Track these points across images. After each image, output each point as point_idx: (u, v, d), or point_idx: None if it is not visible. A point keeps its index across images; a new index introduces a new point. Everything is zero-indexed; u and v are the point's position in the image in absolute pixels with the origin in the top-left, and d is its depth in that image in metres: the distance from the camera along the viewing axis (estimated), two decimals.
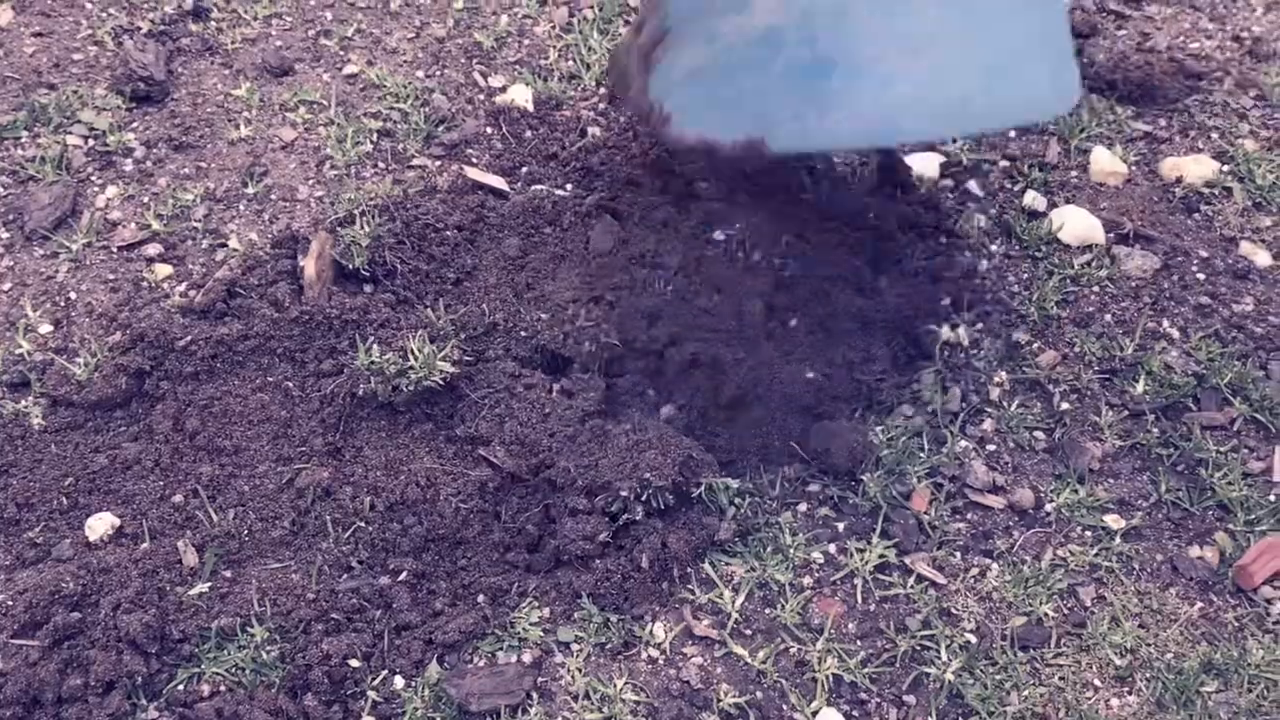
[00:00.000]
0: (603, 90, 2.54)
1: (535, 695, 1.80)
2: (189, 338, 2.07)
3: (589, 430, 2.02)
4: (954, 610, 1.90)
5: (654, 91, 1.99)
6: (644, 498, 1.93)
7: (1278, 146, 2.50)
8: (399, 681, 1.81)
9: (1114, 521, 1.99)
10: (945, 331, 2.17)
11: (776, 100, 1.89)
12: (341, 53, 2.63)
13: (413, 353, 2.04)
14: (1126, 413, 2.12)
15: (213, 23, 2.68)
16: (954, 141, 2.31)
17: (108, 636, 1.79)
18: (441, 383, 2.05)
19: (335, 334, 2.10)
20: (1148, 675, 1.84)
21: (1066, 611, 1.90)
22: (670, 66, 1.98)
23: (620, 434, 2.01)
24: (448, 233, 2.25)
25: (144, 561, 1.89)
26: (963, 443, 2.07)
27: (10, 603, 1.83)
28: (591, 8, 2.71)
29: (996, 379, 2.14)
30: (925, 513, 1.99)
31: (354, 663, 1.81)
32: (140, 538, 1.93)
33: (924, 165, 2.41)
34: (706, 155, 1.96)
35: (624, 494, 1.93)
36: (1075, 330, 2.21)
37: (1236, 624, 1.90)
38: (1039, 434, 2.09)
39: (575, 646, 1.86)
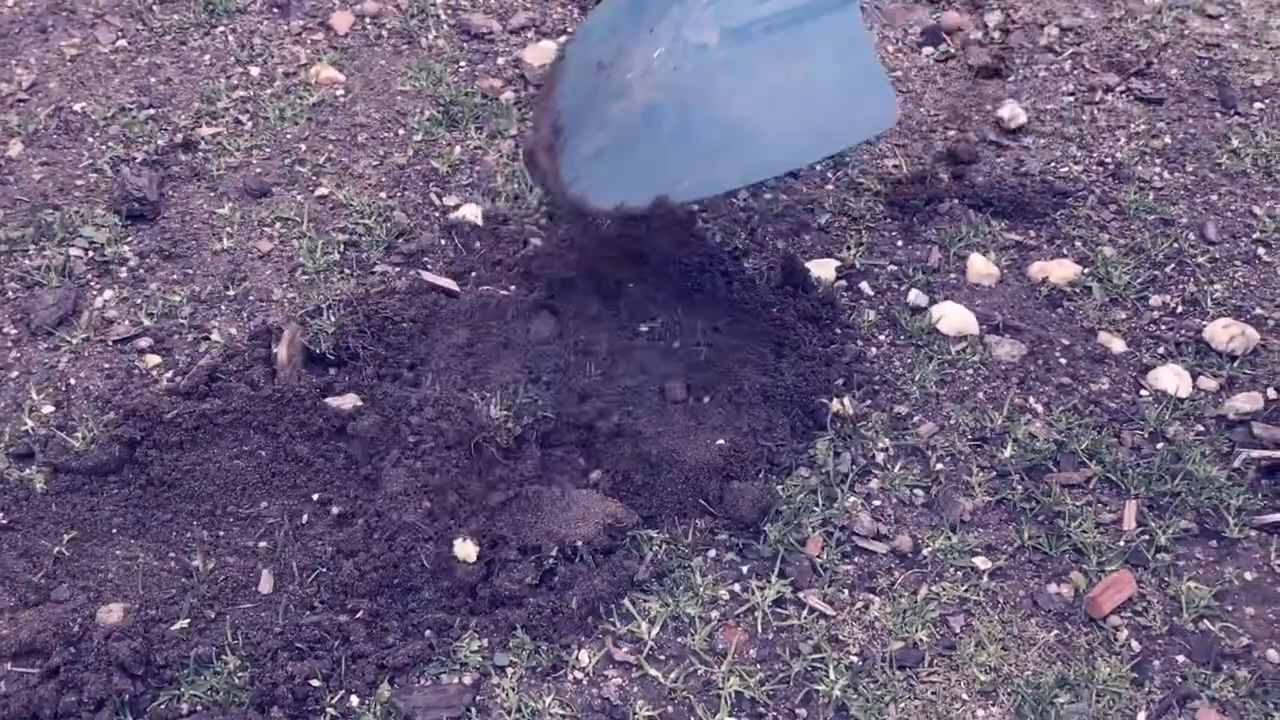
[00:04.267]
0: (543, 208, 2.90)
1: (474, 710, 2.07)
2: (175, 412, 2.37)
3: (526, 494, 2.32)
4: (841, 637, 2.18)
5: (565, 176, 2.41)
6: (571, 556, 2.23)
7: (1132, 253, 2.87)
8: (354, 700, 2.07)
9: (982, 563, 2.29)
10: (837, 406, 2.49)
11: (671, 162, 2.35)
12: (314, 178, 2.99)
13: None
14: (994, 473, 2.43)
15: (201, 153, 3.04)
16: (814, 167, 2.75)
17: (100, 661, 2.05)
18: None
19: (304, 409, 2.40)
20: (1009, 690, 2.12)
21: (939, 637, 2.19)
22: (574, 153, 2.39)
23: (552, 499, 2.30)
24: (404, 325, 2.57)
25: (133, 600, 2.16)
26: (851, 498, 2.37)
27: (14, 636, 2.10)
28: None
29: (881, 445, 2.46)
30: (818, 556, 2.28)
31: (315, 683, 2.07)
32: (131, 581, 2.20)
33: (822, 269, 2.76)
34: (625, 217, 2.38)
35: (553, 554, 2.23)
36: (951, 405, 2.53)
37: (1087, 647, 2.18)
38: (918, 491, 2.40)
39: (510, 670, 2.12)
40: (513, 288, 2.72)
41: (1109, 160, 3.13)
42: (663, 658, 2.16)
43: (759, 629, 2.19)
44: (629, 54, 2.48)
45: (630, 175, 2.37)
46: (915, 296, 2.74)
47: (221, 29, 3.39)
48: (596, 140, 2.41)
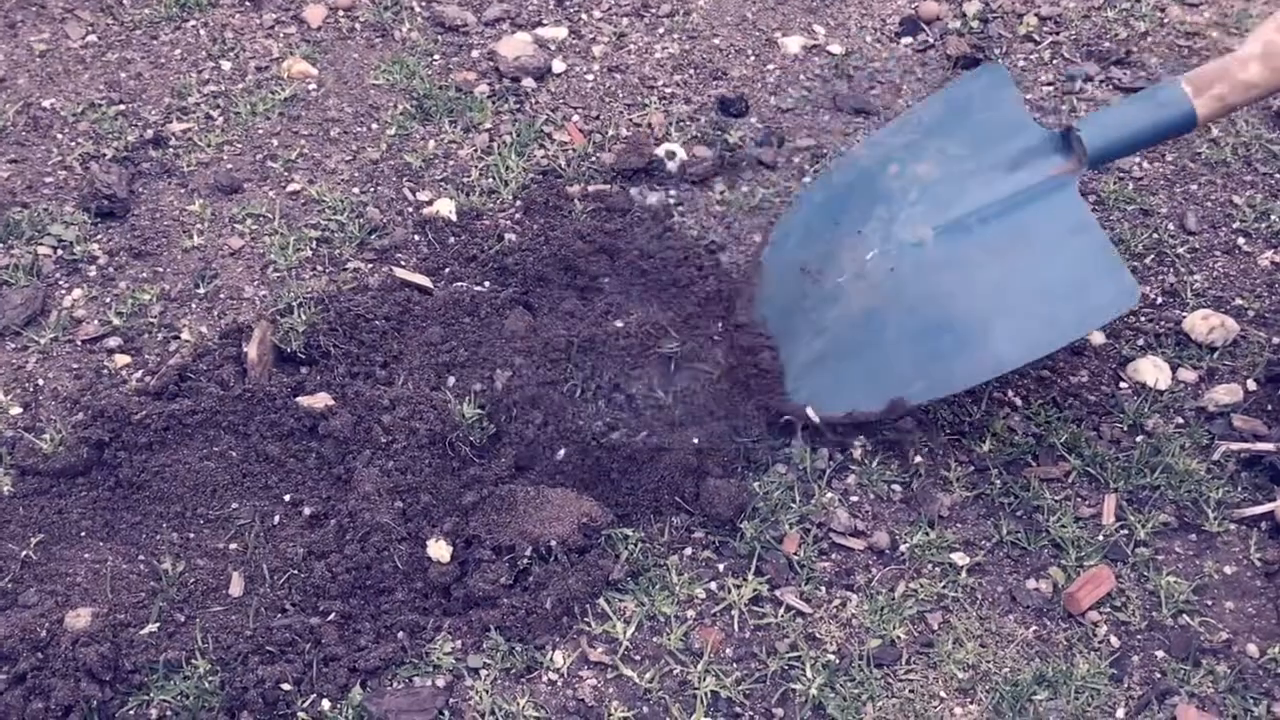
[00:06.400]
0: (518, 202, 2.87)
1: (447, 713, 2.05)
2: (144, 413, 2.34)
3: (500, 493, 2.29)
4: (818, 635, 2.17)
5: (786, 385, 2.38)
6: (546, 556, 2.21)
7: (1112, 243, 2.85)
8: (326, 704, 2.05)
9: (960, 559, 2.27)
10: None
11: (900, 365, 2.31)
12: (286, 173, 2.95)
13: None
14: (973, 468, 2.41)
15: (171, 149, 3.00)
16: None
17: (67, 667, 2.03)
18: None
19: (275, 409, 2.38)
20: (987, 687, 2.11)
21: (916, 634, 2.17)
22: (790, 360, 2.38)
23: (526, 497, 2.28)
24: (377, 322, 2.54)
25: (101, 604, 2.14)
26: (829, 494, 2.35)
27: None
28: (509, 134, 3.06)
29: (859, 441, 2.44)
30: (795, 553, 2.27)
31: (286, 686, 2.04)
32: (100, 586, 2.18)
33: None
34: (856, 424, 2.35)
35: (528, 554, 2.21)
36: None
37: (1066, 643, 2.17)
38: (896, 486, 2.38)
39: (483, 671, 2.10)
40: (487, 284, 2.69)
41: None
42: (638, 658, 2.14)
43: (736, 628, 2.18)
44: (836, 257, 2.44)
45: (858, 380, 2.34)
46: None
47: (193, 23, 3.35)
48: (814, 347, 2.39)
